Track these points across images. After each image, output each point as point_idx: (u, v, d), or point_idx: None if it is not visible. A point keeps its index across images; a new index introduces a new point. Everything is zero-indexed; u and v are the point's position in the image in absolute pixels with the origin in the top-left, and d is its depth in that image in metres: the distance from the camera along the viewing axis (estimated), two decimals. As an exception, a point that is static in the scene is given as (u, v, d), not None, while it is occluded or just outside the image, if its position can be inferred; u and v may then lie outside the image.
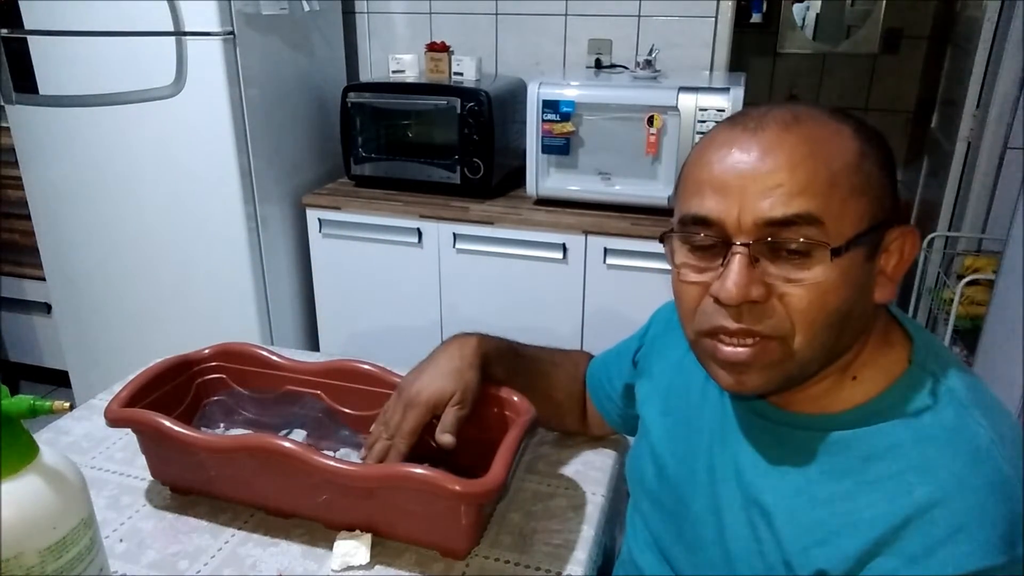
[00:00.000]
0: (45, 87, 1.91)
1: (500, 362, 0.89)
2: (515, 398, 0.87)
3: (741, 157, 0.57)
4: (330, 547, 0.81)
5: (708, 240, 0.58)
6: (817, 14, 3.25)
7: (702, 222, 0.58)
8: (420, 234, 1.92)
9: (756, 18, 3.29)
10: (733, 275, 0.56)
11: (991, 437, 0.55)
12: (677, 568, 0.73)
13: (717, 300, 0.58)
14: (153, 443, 0.88)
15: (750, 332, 0.57)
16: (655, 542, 0.77)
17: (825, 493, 0.58)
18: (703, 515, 0.68)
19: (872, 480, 0.56)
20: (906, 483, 0.54)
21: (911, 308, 2.20)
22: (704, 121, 1.68)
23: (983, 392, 0.60)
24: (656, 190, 1.79)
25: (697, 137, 1.69)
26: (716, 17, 2.01)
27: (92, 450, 0.99)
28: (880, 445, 0.57)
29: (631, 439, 0.99)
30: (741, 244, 0.56)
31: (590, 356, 1.00)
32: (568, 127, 1.79)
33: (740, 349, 0.58)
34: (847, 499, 0.57)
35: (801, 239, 0.55)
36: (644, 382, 0.84)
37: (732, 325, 0.58)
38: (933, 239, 2.11)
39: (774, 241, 0.56)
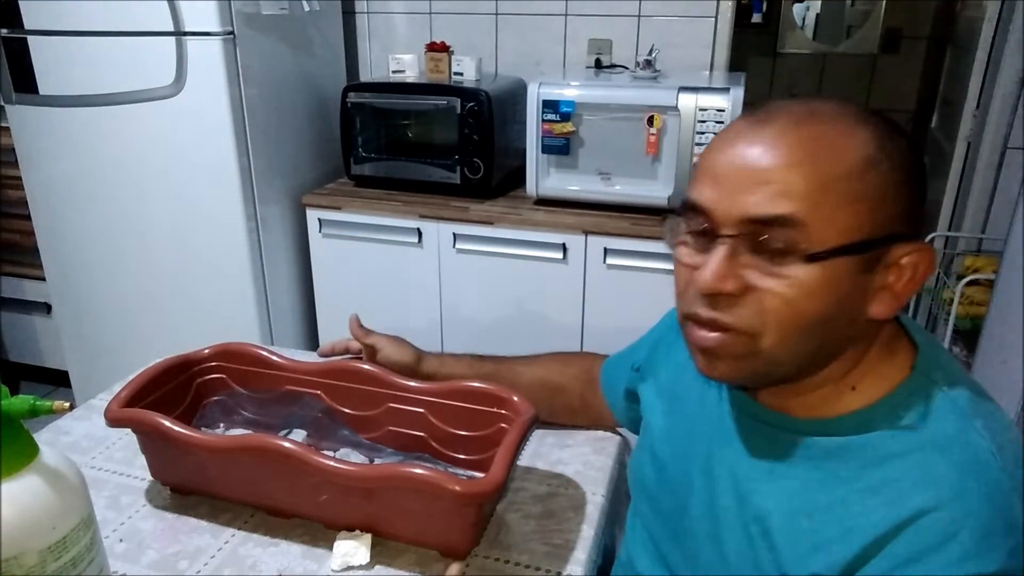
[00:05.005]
0: (45, 87, 1.91)
1: (455, 360, 1.00)
2: (515, 398, 0.87)
3: (741, 150, 0.56)
4: (330, 547, 0.81)
5: (699, 227, 0.59)
6: (817, 14, 3.26)
7: (696, 209, 0.59)
8: (420, 234, 1.92)
9: (756, 18, 3.29)
10: (711, 265, 0.56)
11: (990, 448, 0.55)
12: (674, 571, 0.73)
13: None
14: (153, 443, 0.88)
15: (718, 322, 0.58)
16: (653, 544, 0.77)
17: (822, 500, 0.58)
18: (699, 518, 0.68)
19: (869, 487, 0.56)
20: (903, 490, 0.54)
21: (911, 308, 2.20)
22: (704, 121, 1.68)
23: (986, 403, 0.59)
24: (656, 190, 1.79)
25: (697, 137, 1.70)
26: (716, 17, 2.01)
27: (92, 450, 0.99)
28: (879, 452, 0.57)
29: (633, 440, 1.00)
30: (724, 236, 0.56)
31: (596, 356, 1.01)
32: (568, 127, 1.79)
33: (709, 335, 0.59)
34: (844, 506, 0.57)
35: (780, 240, 0.55)
36: (649, 384, 0.84)
37: (703, 313, 0.59)
38: (933, 239, 2.11)
39: (755, 238, 0.56)
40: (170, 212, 1.95)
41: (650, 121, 1.73)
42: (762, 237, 0.55)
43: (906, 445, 0.56)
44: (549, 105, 1.78)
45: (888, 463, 0.56)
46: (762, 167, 0.55)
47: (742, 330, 0.57)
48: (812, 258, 0.54)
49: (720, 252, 0.56)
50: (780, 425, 0.63)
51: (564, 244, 1.81)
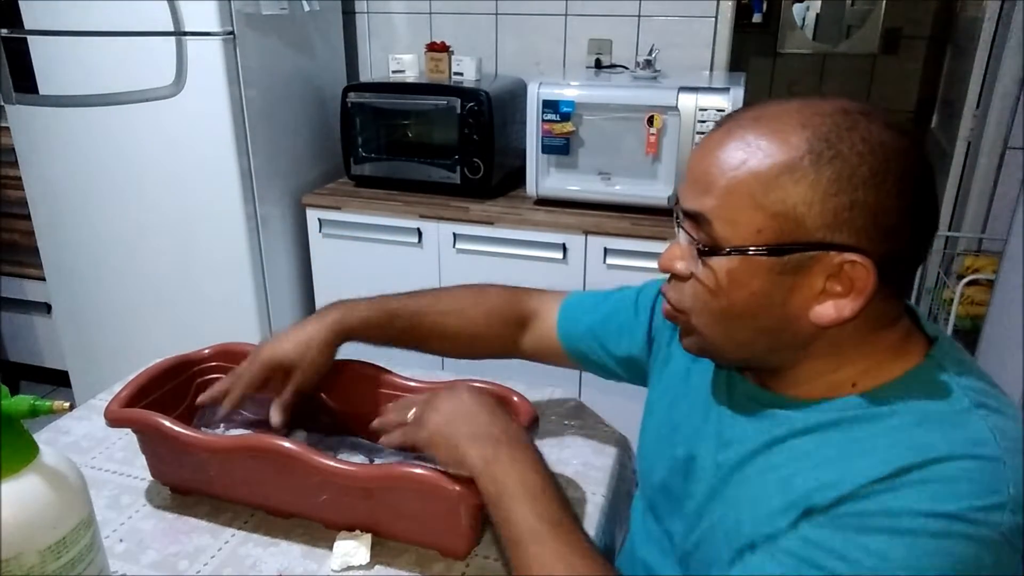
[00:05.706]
0: (45, 87, 1.91)
1: (373, 332, 0.97)
2: (515, 398, 0.87)
3: (699, 149, 0.61)
4: (330, 547, 0.81)
5: (675, 216, 0.64)
6: (817, 14, 3.26)
7: (677, 198, 0.64)
8: (420, 234, 1.92)
9: (756, 18, 3.29)
10: (667, 248, 0.64)
11: (992, 431, 0.55)
12: (681, 559, 0.73)
13: None
14: (153, 443, 0.88)
15: (668, 298, 0.66)
16: (664, 533, 0.76)
17: (807, 463, 0.58)
18: (700, 496, 0.69)
19: (859, 451, 0.56)
20: (890, 455, 0.54)
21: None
22: (704, 121, 1.68)
23: (997, 397, 0.59)
24: (656, 190, 1.79)
25: (697, 137, 1.69)
26: (716, 17, 2.01)
27: (92, 450, 0.99)
28: (877, 425, 0.57)
29: (632, 439, 0.99)
30: (678, 225, 0.62)
31: (524, 293, 1.01)
32: (568, 127, 1.79)
33: (665, 307, 0.67)
34: (828, 464, 0.57)
35: (702, 233, 0.59)
36: (659, 366, 0.83)
37: (662, 288, 0.67)
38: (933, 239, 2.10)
39: (689, 230, 0.61)
40: (170, 212, 1.95)
41: (650, 121, 1.73)
42: (691, 230, 0.60)
43: (906, 421, 0.56)
44: (549, 105, 1.78)
45: (884, 435, 0.56)
46: (701, 167, 0.60)
47: (680, 309, 0.64)
48: (705, 253, 0.59)
49: (677, 237, 0.63)
50: (781, 406, 0.64)
51: (564, 244, 1.81)
